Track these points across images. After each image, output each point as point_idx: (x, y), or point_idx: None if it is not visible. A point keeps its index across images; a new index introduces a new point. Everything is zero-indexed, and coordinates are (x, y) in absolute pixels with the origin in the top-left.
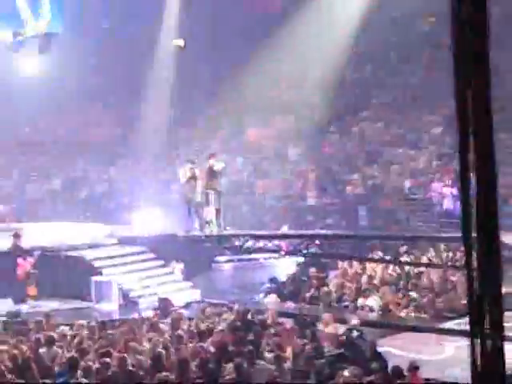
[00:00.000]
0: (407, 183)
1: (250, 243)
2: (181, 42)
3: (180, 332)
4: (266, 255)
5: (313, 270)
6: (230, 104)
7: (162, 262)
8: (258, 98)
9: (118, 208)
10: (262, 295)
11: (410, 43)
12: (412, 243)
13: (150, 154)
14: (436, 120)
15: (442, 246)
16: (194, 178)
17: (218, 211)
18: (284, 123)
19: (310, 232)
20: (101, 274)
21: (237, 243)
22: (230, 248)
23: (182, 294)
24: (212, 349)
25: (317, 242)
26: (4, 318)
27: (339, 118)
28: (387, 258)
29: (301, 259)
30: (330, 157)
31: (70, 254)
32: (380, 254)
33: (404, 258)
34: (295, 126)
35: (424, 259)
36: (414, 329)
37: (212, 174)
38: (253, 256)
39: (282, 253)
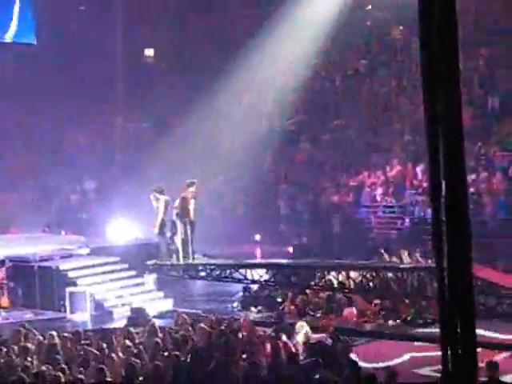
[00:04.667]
0: (379, 191)
1: (216, 272)
2: (151, 52)
3: (157, 340)
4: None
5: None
6: (204, 112)
7: (134, 273)
8: (230, 105)
9: (91, 218)
10: (235, 304)
11: (381, 52)
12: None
13: (121, 164)
14: (406, 128)
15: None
16: (162, 206)
17: (187, 240)
18: (256, 131)
19: (274, 261)
20: (74, 284)
21: (203, 273)
22: (195, 277)
23: (155, 303)
24: (187, 357)
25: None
26: None
27: (310, 127)
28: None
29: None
30: (302, 165)
31: (43, 264)
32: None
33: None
34: (267, 135)
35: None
36: (387, 336)
37: (189, 203)
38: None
39: (247, 281)
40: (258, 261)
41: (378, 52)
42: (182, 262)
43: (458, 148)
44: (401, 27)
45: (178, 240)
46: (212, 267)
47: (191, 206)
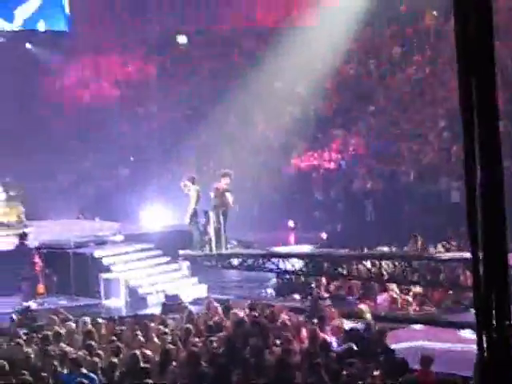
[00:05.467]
0: (413, 177)
1: (249, 262)
2: (184, 39)
3: (189, 326)
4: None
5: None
6: (237, 97)
7: (168, 259)
8: (265, 90)
9: (126, 205)
10: (269, 290)
11: (414, 38)
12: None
13: (157, 150)
14: (441, 113)
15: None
16: (194, 196)
17: (220, 229)
18: (290, 117)
19: (306, 251)
20: (109, 271)
21: (236, 263)
22: (228, 267)
23: (190, 289)
24: (220, 343)
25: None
26: (15, 315)
27: (345, 113)
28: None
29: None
30: (336, 151)
31: (77, 251)
32: (385, 248)
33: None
34: (301, 121)
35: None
36: (422, 322)
37: (223, 193)
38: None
39: (279, 271)
40: (291, 250)
41: (412, 38)
42: (214, 251)
43: (494, 132)
44: (435, 13)
45: (210, 229)
46: (244, 257)
47: (226, 198)
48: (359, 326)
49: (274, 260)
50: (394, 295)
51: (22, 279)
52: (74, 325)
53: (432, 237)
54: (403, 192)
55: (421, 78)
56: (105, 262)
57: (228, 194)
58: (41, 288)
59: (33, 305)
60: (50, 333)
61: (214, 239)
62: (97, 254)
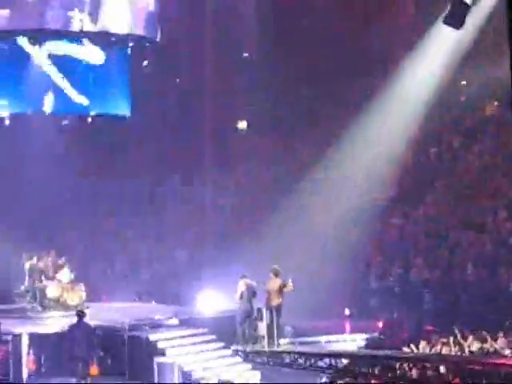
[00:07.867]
0: (471, 266)
1: (301, 361)
2: (244, 125)
3: None
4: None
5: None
6: (294, 187)
7: (223, 344)
8: (321, 180)
9: (181, 289)
10: (324, 379)
11: (475, 128)
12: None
13: (212, 235)
14: (501, 203)
15: None
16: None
17: (272, 327)
18: (346, 206)
19: (360, 352)
20: (163, 355)
21: (287, 360)
22: (279, 365)
23: (243, 376)
24: None
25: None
26: None
27: (403, 201)
28: None
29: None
30: (393, 240)
31: (132, 334)
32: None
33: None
34: (357, 209)
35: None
36: None
37: (275, 291)
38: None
39: (331, 370)
40: (344, 340)
41: (472, 127)
42: (266, 348)
43: None
44: (495, 102)
45: (263, 326)
46: (296, 355)
47: (278, 295)
48: None
49: (326, 360)
50: None
51: (76, 359)
52: None
53: (490, 328)
54: (461, 281)
55: (481, 167)
56: (159, 345)
57: (281, 290)
58: (94, 370)
59: None
60: None
61: (266, 336)
62: (151, 337)
